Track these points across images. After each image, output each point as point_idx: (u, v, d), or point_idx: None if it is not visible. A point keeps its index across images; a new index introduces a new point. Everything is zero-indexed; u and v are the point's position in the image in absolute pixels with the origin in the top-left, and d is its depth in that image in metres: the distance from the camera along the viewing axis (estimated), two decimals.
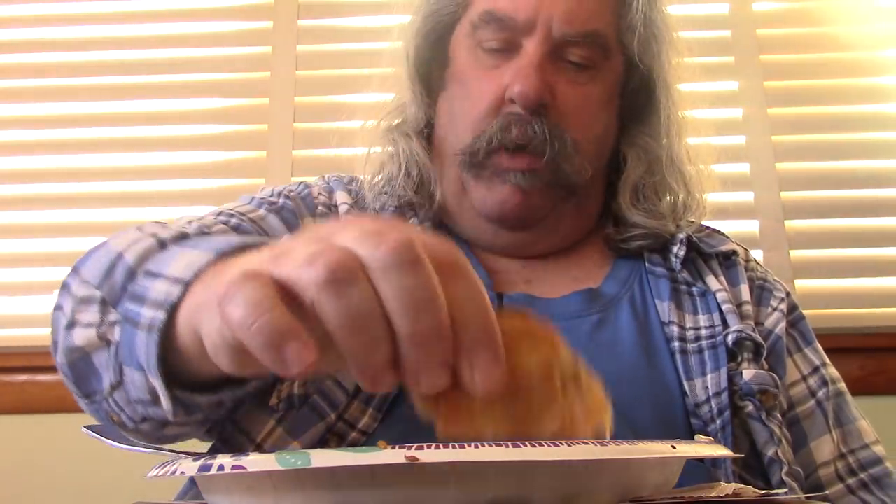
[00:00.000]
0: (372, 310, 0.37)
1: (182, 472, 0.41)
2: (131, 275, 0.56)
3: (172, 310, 0.49)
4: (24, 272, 1.53)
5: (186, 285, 0.48)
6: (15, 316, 1.51)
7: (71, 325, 0.59)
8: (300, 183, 0.90)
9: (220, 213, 0.80)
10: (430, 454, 0.35)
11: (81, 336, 0.58)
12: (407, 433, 0.69)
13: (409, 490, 0.38)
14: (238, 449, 0.72)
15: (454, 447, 0.36)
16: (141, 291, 0.52)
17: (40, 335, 1.50)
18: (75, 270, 0.63)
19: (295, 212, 0.84)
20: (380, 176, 0.90)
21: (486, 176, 0.83)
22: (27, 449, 1.42)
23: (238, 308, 0.37)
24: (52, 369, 1.66)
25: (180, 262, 0.51)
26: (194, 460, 0.40)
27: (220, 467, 0.38)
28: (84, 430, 0.52)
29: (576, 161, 0.82)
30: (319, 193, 0.88)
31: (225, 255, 0.49)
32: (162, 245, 0.58)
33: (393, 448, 0.36)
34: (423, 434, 0.70)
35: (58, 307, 0.63)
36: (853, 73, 1.54)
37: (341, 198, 0.87)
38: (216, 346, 0.41)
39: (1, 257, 1.55)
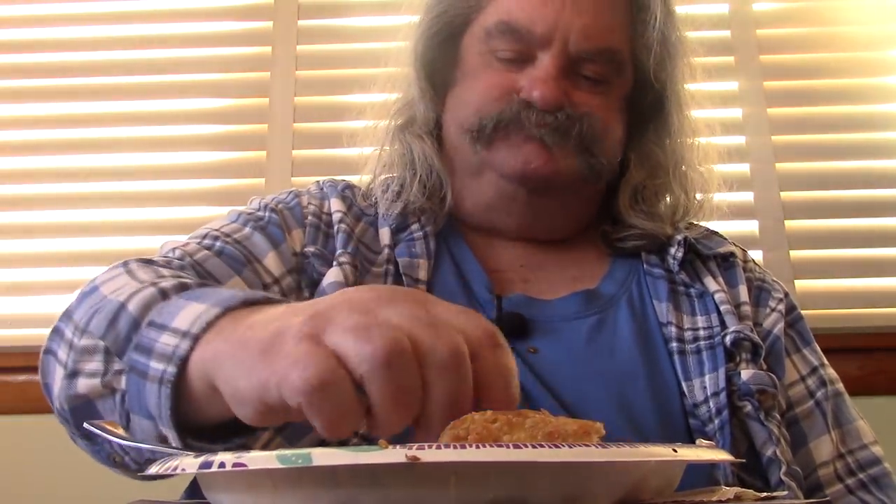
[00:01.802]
0: (414, 393, 0.40)
1: (183, 470, 0.41)
2: (135, 326, 0.57)
3: (182, 362, 0.50)
4: (24, 272, 1.54)
5: (195, 339, 0.50)
6: (15, 316, 1.51)
7: (73, 374, 0.59)
8: (290, 192, 0.89)
9: (204, 237, 0.79)
10: (431, 454, 0.35)
11: (85, 385, 0.58)
12: (408, 435, 0.70)
13: (410, 490, 0.38)
14: None
15: (455, 447, 0.36)
16: (147, 343, 0.53)
17: (40, 335, 1.49)
18: (68, 316, 0.64)
19: (281, 225, 0.83)
20: (392, 179, 0.89)
21: (510, 136, 0.82)
22: (28, 449, 1.42)
23: (306, 377, 0.39)
24: None
25: (186, 314, 0.52)
26: (195, 457, 0.40)
27: (221, 465, 0.38)
28: (86, 426, 0.52)
29: (603, 146, 0.83)
30: (309, 203, 0.86)
31: (231, 308, 0.51)
32: (164, 295, 0.58)
33: (394, 447, 0.36)
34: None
35: (49, 351, 0.63)
36: (853, 73, 1.55)
37: (335, 205, 0.86)
38: (244, 399, 0.44)
39: (1, 257, 1.55)
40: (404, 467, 0.35)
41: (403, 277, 0.80)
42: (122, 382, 0.56)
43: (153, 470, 0.44)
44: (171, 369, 0.50)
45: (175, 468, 0.41)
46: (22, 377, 1.45)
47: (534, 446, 0.36)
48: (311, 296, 0.79)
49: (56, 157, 1.60)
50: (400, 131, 0.91)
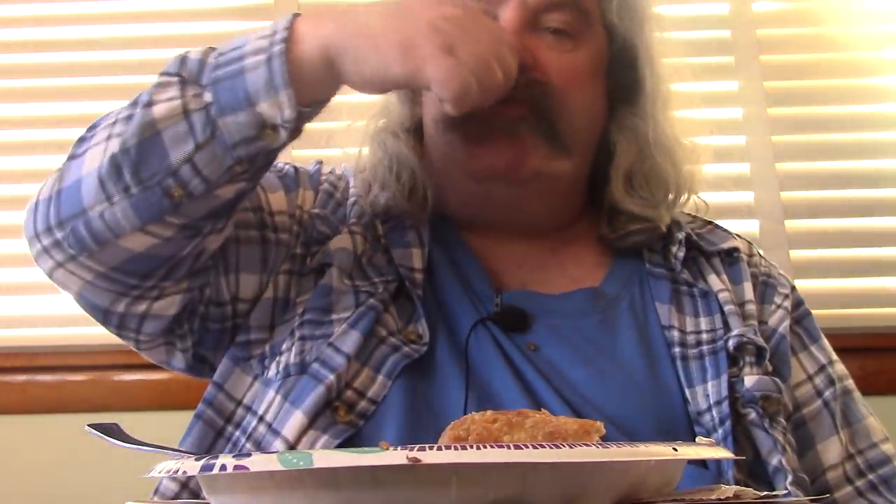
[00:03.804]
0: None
1: (184, 472, 0.41)
2: (201, 64, 0.68)
3: (285, 43, 0.62)
4: (24, 272, 1.53)
5: (288, 27, 0.64)
6: (15, 316, 1.50)
7: (149, 103, 0.68)
8: (316, 161, 0.94)
9: None
10: (431, 455, 0.35)
11: (163, 108, 0.67)
12: (415, 405, 0.70)
13: (411, 491, 0.38)
14: (238, 422, 0.74)
15: (456, 448, 0.36)
16: (228, 59, 0.65)
17: (40, 335, 1.50)
18: (85, 135, 0.77)
19: (296, 180, 0.87)
20: (375, 184, 0.88)
21: (475, 129, 0.78)
22: (27, 449, 1.42)
23: (456, 87, 0.63)
24: (52, 369, 1.65)
25: (256, 34, 0.65)
26: (196, 460, 0.40)
27: (223, 467, 0.38)
28: (87, 428, 0.52)
29: (564, 115, 0.79)
30: (330, 172, 0.90)
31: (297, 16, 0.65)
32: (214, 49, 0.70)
33: (395, 449, 0.36)
34: (433, 405, 0.72)
35: (72, 157, 0.80)
36: (853, 73, 1.54)
37: (354, 187, 0.89)
38: (384, 82, 0.67)
39: (1, 257, 1.55)
40: (405, 468, 0.36)
41: (399, 269, 0.79)
42: (207, 96, 0.65)
43: (154, 473, 0.44)
44: (278, 47, 0.63)
45: (176, 471, 0.41)
46: (22, 377, 1.45)
47: (534, 446, 0.37)
48: (306, 252, 0.81)
49: (56, 158, 1.59)
50: (378, 133, 0.89)
